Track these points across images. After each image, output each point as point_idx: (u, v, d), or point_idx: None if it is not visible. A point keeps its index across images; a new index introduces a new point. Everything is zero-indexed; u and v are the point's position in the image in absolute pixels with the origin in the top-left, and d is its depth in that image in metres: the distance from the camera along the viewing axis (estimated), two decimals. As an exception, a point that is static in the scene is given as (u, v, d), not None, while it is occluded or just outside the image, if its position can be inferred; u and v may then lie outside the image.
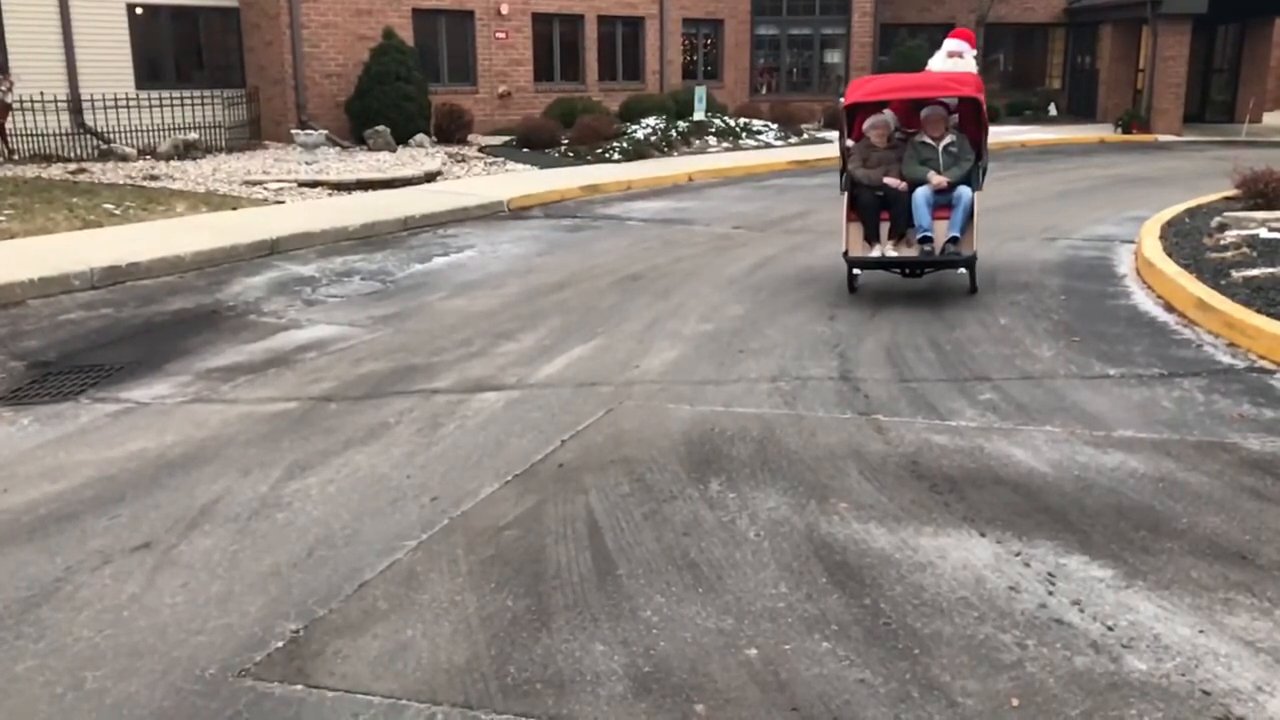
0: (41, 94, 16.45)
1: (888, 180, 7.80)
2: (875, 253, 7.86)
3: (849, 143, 8.15)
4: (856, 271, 7.89)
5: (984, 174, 8.10)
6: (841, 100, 8.33)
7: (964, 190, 7.66)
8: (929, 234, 7.63)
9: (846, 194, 7.92)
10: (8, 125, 16.04)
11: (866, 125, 8.15)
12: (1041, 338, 6.68)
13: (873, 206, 7.83)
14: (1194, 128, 25.12)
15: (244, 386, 5.94)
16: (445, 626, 3.36)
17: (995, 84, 26.96)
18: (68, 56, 17.38)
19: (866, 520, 4.07)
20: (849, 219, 7.90)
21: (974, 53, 8.68)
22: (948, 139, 7.90)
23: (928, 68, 8.82)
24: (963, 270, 7.87)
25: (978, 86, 7.78)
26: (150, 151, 16.76)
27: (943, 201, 7.67)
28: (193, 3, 19.09)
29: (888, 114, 8.14)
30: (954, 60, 8.48)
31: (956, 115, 8.12)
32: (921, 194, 7.67)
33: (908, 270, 7.92)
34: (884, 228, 7.85)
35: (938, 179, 7.68)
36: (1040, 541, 3.87)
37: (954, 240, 7.63)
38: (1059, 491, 4.31)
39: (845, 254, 7.86)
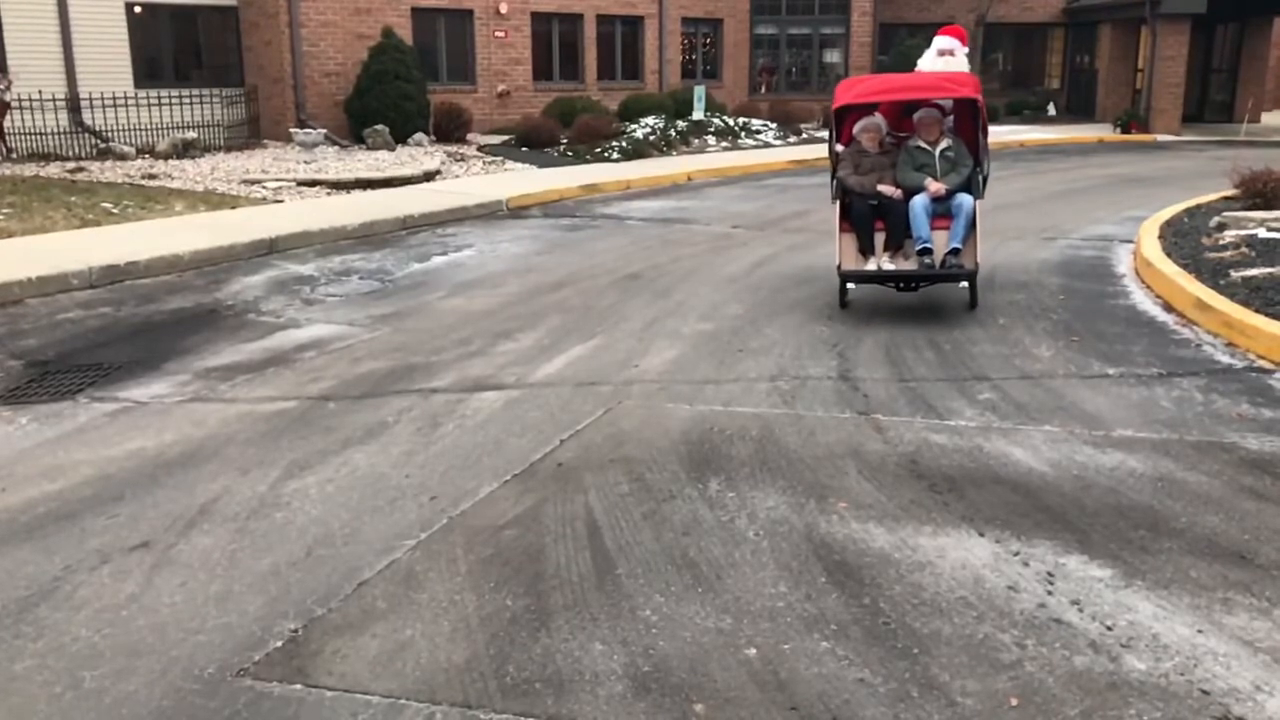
0: (40, 93, 16.43)
1: (882, 188, 7.32)
2: (871, 266, 7.36)
3: (839, 148, 7.67)
4: (851, 286, 7.41)
5: (985, 182, 7.56)
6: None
7: (965, 199, 7.16)
8: (929, 245, 7.13)
9: (838, 203, 7.41)
10: (6, 124, 16.02)
11: (857, 129, 7.65)
12: (1040, 337, 6.68)
13: (867, 216, 7.33)
14: (1193, 127, 25.13)
15: (243, 386, 5.93)
16: (444, 626, 3.35)
17: (994, 83, 27.01)
18: (66, 55, 17.35)
19: (865, 520, 4.07)
20: (841, 230, 7.40)
21: (965, 50, 8.13)
22: (944, 143, 7.42)
23: (917, 68, 8.27)
24: (963, 284, 7.33)
25: (976, 87, 7.33)
26: (149, 150, 16.75)
27: (941, 210, 7.20)
28: (191, 2, 19.07)
29: (878, 116, 7.67)
30: (945, 59, 7.97)
31: (952, 117, 7.65)
32: (919, 202, 7.17)
33: (901, 285, 7.41)
34: (879, 238, 7.35)
35: (936, 186, 7.21)
36: (1039, 541, 3.88)
37: (955, 252, 7.12)
38: (1058, 491, 4.31)
39: (838, 268, 7.39)
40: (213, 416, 5.41)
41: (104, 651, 3.25)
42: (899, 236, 7.32)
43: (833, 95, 7.58)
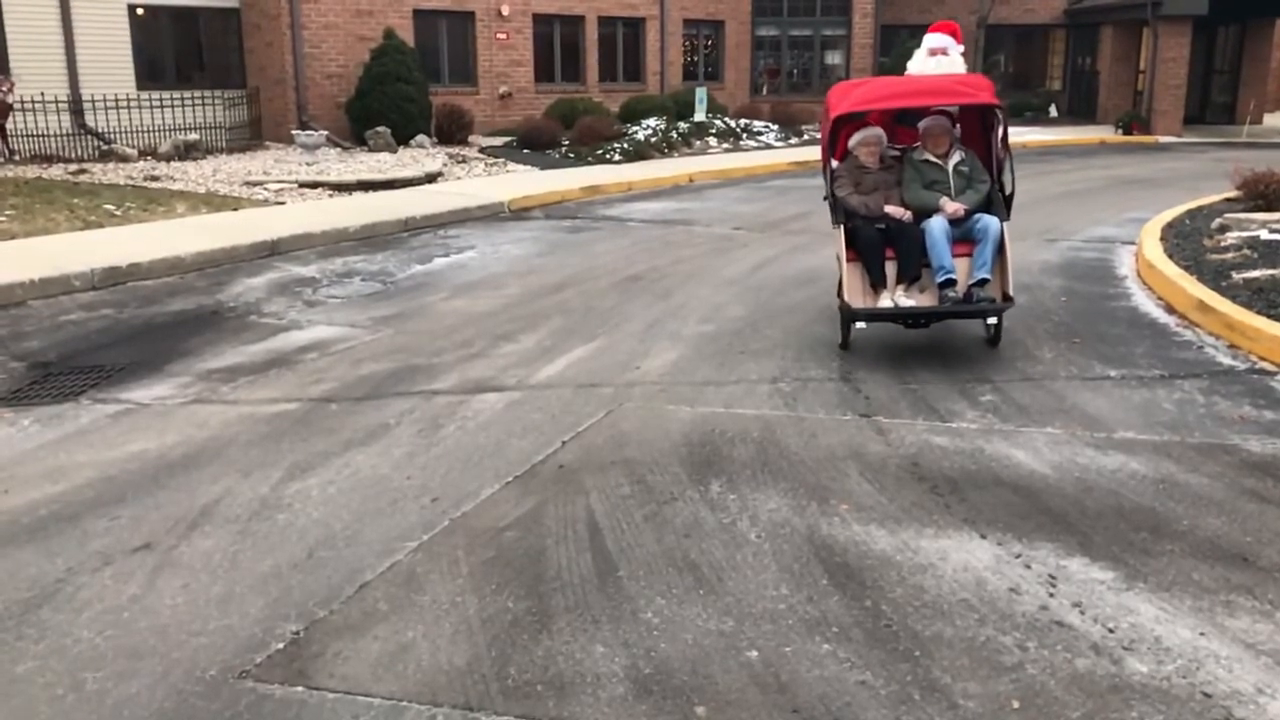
0: (42, 94, 16.44)
1: (890, 209, 6.39)
2: (885, 302, 6.29)
3: (834, 164, 6.73)
4: (860, 325, 6.32)
5: (1010, 202, 6.50)
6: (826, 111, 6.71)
7: (990, 221, 6.20)
8: (952, 276, 6.13)
9: (841, 228, 6.34)
10: (9, 126, 16.04)
11: (854, 141, 6.71)
12: (1042, 339, 6.68)
13: (876, 243, 6.27)
14: (1194, 129, 25.12)
15: (245, 387, 5.94)
16: (446, 628, 3.36)
17: (996, 85, 26.96)
18: (68, 57, 17.37)
19: (867, 522, 4.07)
20: (847, 259, 6.30)
21: (960, 49, 7.02)
22: (956, 157, 6.49)
23: (907, 70, 7.12)
24: (991, 320, 6.37)
25: (993, 91, 6.36)
26: (151, 152, 16.76)
27: (960, 234, 6.24)
28: (193, 3, 19.09)
29: (877, 127, 6.76)
30: (937, 59, 6.87)
31: (959, 127, 6.72)
32: (938, 226, 6.19)
33: (910, 321, 6.34)
34: (889, 269, 6.31)
35: (954, 207, 6.27)
36: (1041, 543, 3.87)
37: (981, 283, 6.15)
38: (1060, 493, 4.31)
39: (842, 305, 6.30)
40: (214, 418, 5.42)
41: (106, 653, 3.25)
42: (913, 266, 6.28)
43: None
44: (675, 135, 19.86)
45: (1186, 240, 9.12)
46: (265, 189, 13.80)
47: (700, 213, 12.71)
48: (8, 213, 11.12)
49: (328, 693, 3.03)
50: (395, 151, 17.70)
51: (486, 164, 16.99)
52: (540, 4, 21.80)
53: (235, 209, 12.09)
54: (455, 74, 21.03)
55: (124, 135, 17.24)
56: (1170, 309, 7.42)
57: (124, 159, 16.29)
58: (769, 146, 20.86)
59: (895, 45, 25.75)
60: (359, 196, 13.53)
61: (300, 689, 3.05)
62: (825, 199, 6.72)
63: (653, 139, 19.20)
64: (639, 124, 20.05)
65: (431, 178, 15.02)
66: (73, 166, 15.33)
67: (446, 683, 3.07)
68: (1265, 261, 7.83)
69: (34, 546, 3.98)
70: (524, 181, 14.96)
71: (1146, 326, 7.03)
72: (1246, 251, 8.22)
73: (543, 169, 16.57)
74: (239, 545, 3.97)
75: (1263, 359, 6.11)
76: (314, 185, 14.12)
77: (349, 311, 7.77)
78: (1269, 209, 9.91)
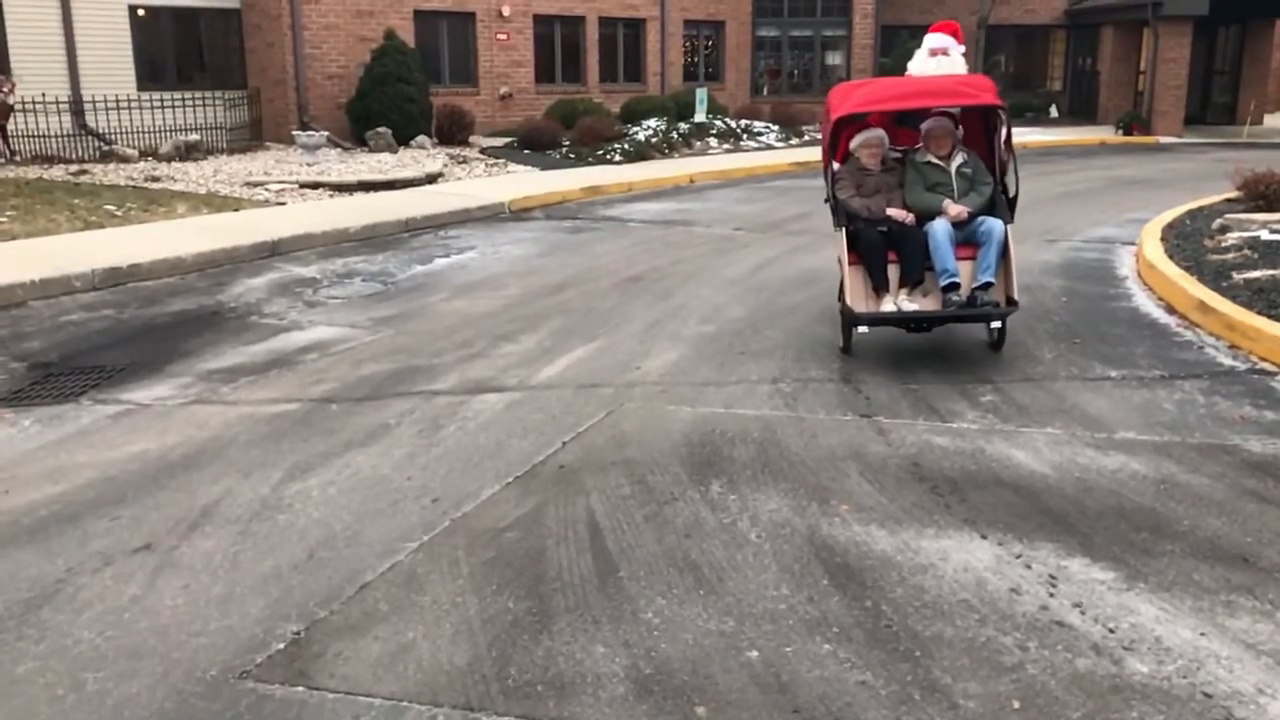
0: (43, 95, 16.45)
1: (892, 212, 6.30)
2: (888, 306, 6.18)
3: (835, 166, 6.64)
4: (863, 329, 6.19)
5: (1014, 205, 6.44)
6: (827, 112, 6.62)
7: (994, 223, 6.12)
8: (956, 279, 6.06)
9: (843, 231, 6.27)
10: (10, 126, 16.05)
11: (855, 143, 6.62)
12: (1042, 339, 6.68)
13: (878, 247, 6.18)
14: (1195, 129, 25.12)
15: (245, 388, 5.94)
16: (446, 628, 3.36)
17: (997, 86, 26.97)
18: (69, 58, 17.39)
19: (868, 522, 4.07)
20: (849, 262, 6.23)
21: (961, 49, 6.89)
22: (959, 159, 6.39)
23: (908, 71, 6.99)
24: (995, 324, 6.31)
25: (995, 92, 6.28)
26: (152, 153, 16.76)
27: (963, 237, 6.16)
28: (194, 4, 19.11)
29: (879, 128, 6.67)
30: (938, 60, 6.74)
31: (961, 128, 6.62)
32: (941, 229, 6.10)
33: (912, 325, 6.27)
34: (892, 272, 6.21)
35: (957, 209, 6.18)
36: (1041, 543, 3.87)
37: (985, 286, 6.06)
38: (1060, 493, 4.31)
39: (843, 309, 6.26)
40: (215, 418, 5.42)
41: (106, 654, 3.25)
42: (916, 269, 6.18)
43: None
44: (676, 136, 19.87)
45: (1187, 241, 9.12)
46: (266, 189, 13.80)
47: (701, 213, 12.71)
48: (9, 213, 11.12)
49: (328, 693, 3.03)
50: (396, 152, 17.70)
51: (487, 164, 17.00)
52: (541, 5, 21.81)
53: (236, 209, 12.09)
54: (456, 75, 21.04)
55: (125, 136, 17.24)
56: (1171, 309, 7.42)
57: (125, 160, 16.29)
58: (769, 147, 20.86)
59: (896, 46, 25.74)
60: (359, 197, 13.54)
61: (301, 689, 3.05)
62: (826, 201, 6.65)
63: (653, 139, 19.20)
64: (639, 124, 20.05)
65: (432, 178, 15.03)
66: (73, 167, 15.34)
67: (447, 683, 3.07)
68: (1265, 262, 7.83)
69: (34, 547, 3.98)
70: (524, 182, 14.96)
71: (1147, 327, 7.03)
72: (1247, 252, 8.22)
73: (543, 169, 16.58)
74: (239, 546, 3.97)
75: (1263, 359, 6.11)
76: (314, 186, 14.12)
77: (349, 312, 7.77)
78: (1269, 209, 9.91)
